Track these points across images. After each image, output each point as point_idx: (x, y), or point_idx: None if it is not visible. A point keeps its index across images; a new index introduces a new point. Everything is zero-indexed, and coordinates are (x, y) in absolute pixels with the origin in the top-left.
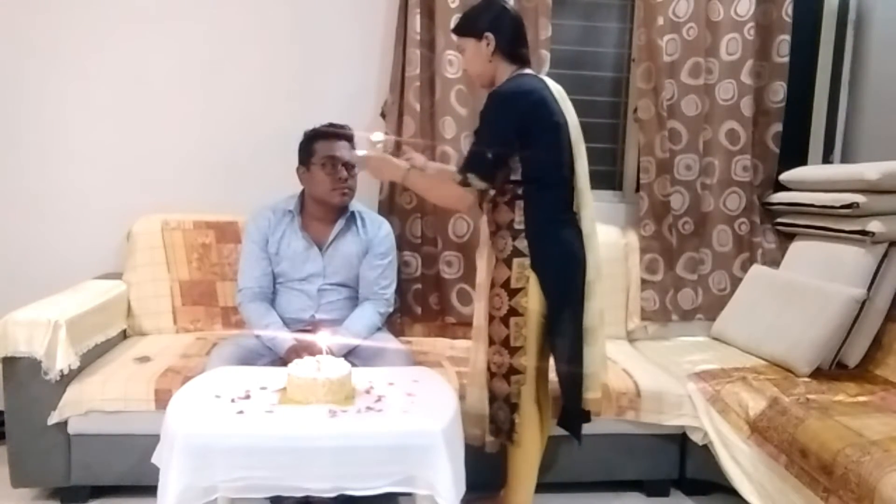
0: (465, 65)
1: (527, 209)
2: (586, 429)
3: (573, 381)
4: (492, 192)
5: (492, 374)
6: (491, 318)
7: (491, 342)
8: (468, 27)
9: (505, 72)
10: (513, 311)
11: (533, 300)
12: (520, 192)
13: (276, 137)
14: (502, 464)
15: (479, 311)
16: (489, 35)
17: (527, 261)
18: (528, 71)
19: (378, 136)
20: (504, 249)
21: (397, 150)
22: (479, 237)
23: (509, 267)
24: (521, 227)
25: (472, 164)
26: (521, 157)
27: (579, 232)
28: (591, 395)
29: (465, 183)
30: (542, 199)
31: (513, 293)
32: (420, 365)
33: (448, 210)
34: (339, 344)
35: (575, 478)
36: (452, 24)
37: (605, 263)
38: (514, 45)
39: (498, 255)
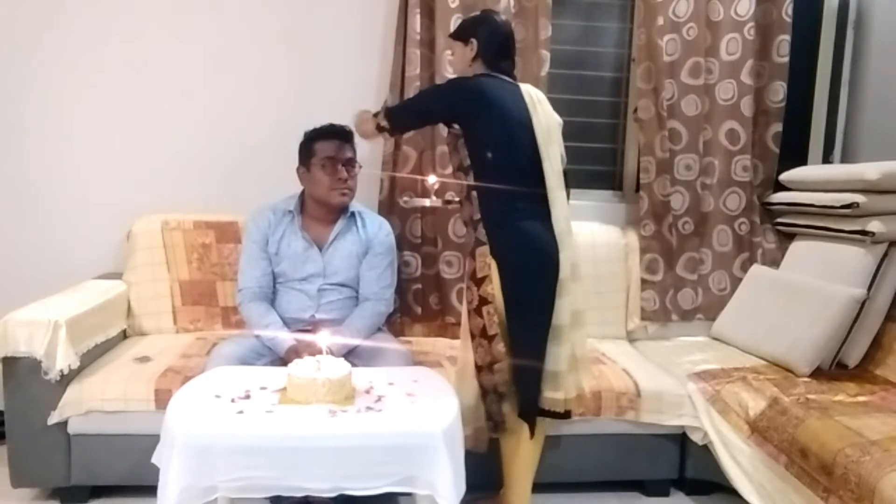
0: (452, 66)
1: (480, 200)
2: (586, 428)
3: (527, 374)
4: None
5: (479, 369)
6: (469, 314)
7: (473, 337)
8: (459, 31)
9: None
10: (483, 301)
11: (497, 288)
12: (471, 180)
13: (276, 137)
14: (501, 464)
15: (464, 309)
16: (473, 41)
17: (486, 249)
18: (496, 74)
19: (432, 178)
20: (469, 243)
21: (397, 149)
22: None
23: (474, 257)
24: (478, 217)
25: (391, 109)
26: (466, 141)
27: (550, 229)
28: (550, 394)
29: (376, 114)
30: (492, 190)
31: (479, 282)
32: (420, 365)
33: (449, 212)
34: (339, 344)
35: (575, 478)
36: (452, 25)
37: (605, 263)
38: (495, 56)
39: (466, 250)
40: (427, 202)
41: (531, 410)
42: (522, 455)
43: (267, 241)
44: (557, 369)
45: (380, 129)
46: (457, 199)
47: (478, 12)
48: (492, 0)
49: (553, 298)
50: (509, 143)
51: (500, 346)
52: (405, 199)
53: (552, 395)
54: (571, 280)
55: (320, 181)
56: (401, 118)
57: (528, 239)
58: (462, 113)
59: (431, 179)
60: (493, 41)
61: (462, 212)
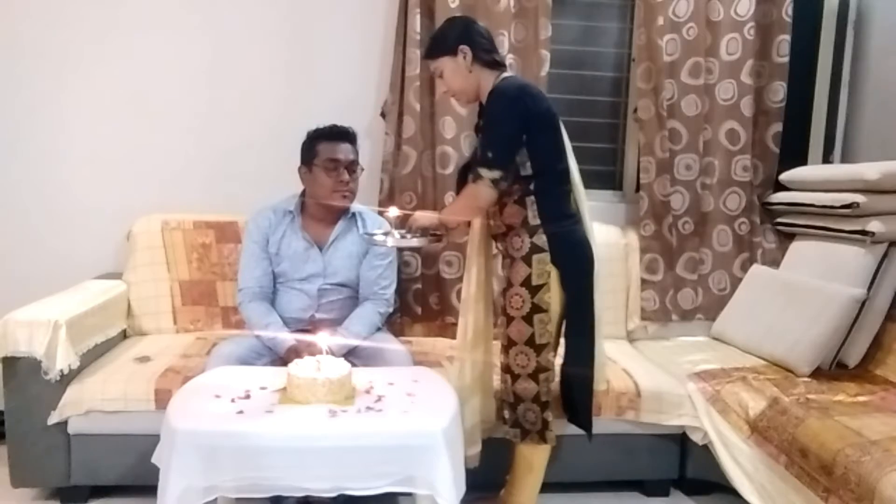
0: (447, 85)
1: (540, 205)
2: None
3: (586, 377)
4: (502, 187)
5: (515, 377)
6: (510, 319)
7: (511, 343)
8: (440, 47)
9: (489, 78)
10: (536, 308)
11: (555, 296)
12: (531, 187)
13: (276, 138)
14: (509, 461)
15: (465, 325)
16: (464, 47)
17: (547, 256)
18: (511, 73)
19: (394, 210)
20: (522, 248)
21: (397, 149)
22: (472, 244)
23: (529, 264)
24: (538, 222)
25: (483, 160)
26: (528, 150)
27: (584, 228)
28: (599, 387)
29: (476, 180)
30: (552, 194)
31: (535, 290)
32: (420, 365)
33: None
34: (338, 344)
35: (575, 478)
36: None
37: (605, 263)
38: (489, 52)
39: (514, 254)
40: (389, 241)
41: (588, 415)
42: (541, 460)
43: (267, 241)
44: (601, 362)
45: (495, 183)
46: (438, 233)
47: (444, 24)
48: (492, 0)
49: (594, 297)
50: (559, 140)
51: (549, 356)
52: (365, 234)
53: (599, 389)
54: (598, 276)
55: (322, 183)
56: (501, 155)
57: (583, 244)
58: (534, 115)
59: (393, 212)
60: (481, 36)
61: (505, 213)
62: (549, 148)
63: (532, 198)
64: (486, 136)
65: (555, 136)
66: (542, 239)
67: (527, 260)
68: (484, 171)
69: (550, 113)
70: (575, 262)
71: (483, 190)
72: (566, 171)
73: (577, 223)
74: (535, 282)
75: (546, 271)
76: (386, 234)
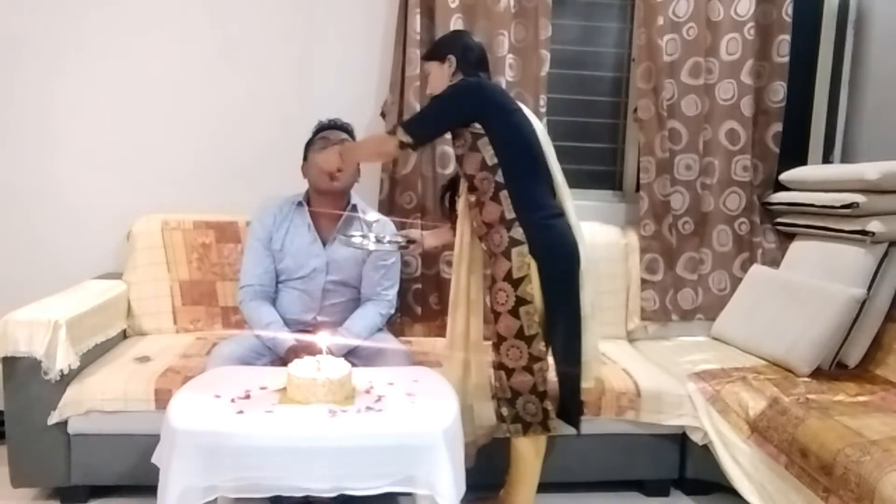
0: (430, 87)
1: (513, 199)
2: (586, 428)
3: (572, 371)
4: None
5: (509, 371)
6: (497, 315)
7: (501, 339)
8: (433, 52)
9: None
10: (521, 301)
11: (537, 287)
12: (500, 180)
13: (276, 138)
14: (507, 463)
15: (450, 328)
16: (451, 57)
17: (525, 248)
18: None
19: (374, 215)
20: (501, 243)
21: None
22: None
23: (508, 258)
24: (513, 216)
25: (408, 122)
26: (490, 139)
27: (568, 223)
28: (584, 384)
29: (392, 132)
30: (523, 187)
31: (517, 283)
32: (420, 365)
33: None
34: (338, 344)
35: (575, 478)
36: (452, 25)
37: (605, 263)
38: (474, 67)
39: (495, 250)
40: (371, 245)
41: (576, 409)
42: (537, 455)
43: (271, 239)
44: (588, 359)
45: (402, 145)
46: (404, 242)
47: (447, 33)
48: (492, 0)
49: (578, 292)
50: (531, 136)
51: (540, 346)
52: (341, 237)
53: (586, 386)
54: (587, 270)
55: (314, 163)
56: (422, 128)
57: (563, 235)
58: (487, 107)
59: (372, 217)
60: (471, 53)
61: (484, 213)
62: (509, 137)
63: (505, 192)
64: (426, 106)
65: (515, 124)
66: (518, 232)
67: (507, 254)
68: (400, 132)
69: (513, 107)
70: (553, 253)
71: (391, 144)
72: (535, 164)
73: (557, 218)
74: (515, 275)
75: (525, 263)
76: (364, 236)
